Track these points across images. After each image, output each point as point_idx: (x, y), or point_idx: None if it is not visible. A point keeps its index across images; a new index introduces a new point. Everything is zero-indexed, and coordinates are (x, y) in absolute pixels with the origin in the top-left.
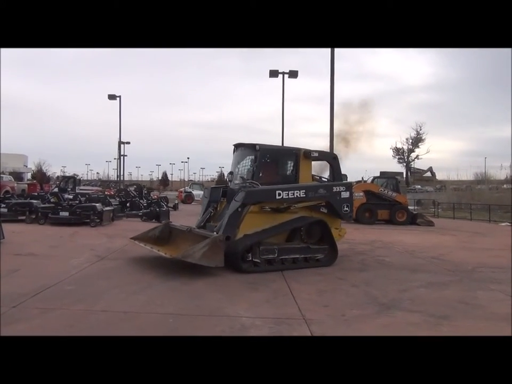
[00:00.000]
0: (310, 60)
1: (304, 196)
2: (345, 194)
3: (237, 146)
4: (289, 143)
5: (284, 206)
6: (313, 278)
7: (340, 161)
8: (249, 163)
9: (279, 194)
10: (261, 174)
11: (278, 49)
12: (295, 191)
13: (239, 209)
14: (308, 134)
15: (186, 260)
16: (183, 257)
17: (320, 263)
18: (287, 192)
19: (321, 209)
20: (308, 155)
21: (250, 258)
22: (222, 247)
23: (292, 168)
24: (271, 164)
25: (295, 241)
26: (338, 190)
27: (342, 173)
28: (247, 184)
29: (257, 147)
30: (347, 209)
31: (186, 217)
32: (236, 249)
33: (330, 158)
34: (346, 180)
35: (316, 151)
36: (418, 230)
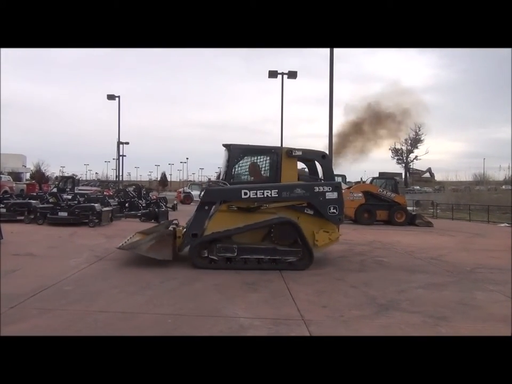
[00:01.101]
0: (312, 61)
1: (277, 195)
2: (331, 195)
3: (223, 146)
4: (289, 144)
5: (255, 205)
6: (312, 279)
7: (331, 160)
8: (225, 163)
9: (246, 194)
10: (234, 174)
11: (279, 50)
12: (265, 191)
13: (206, 208)
14: (310, 135)
15: (133, 251)
16: (130, 248)
17: (293, 266)
18: (255, 191)
19: (305, 211)
20: (290, 154)
21: (207, 255)
22: (170, 241)
23: (273, 167)
24: (247, 163)
25: (265, 242)
26: (321, 190)
27: (342, 173)
28: (211, 183)
29: (230, 147)
30: (334, 211)
31: (185, 217)
32: (191, 245)
33: (318, 156)
34: (345, 181)
35: (299, 150)
36: (417, 231)
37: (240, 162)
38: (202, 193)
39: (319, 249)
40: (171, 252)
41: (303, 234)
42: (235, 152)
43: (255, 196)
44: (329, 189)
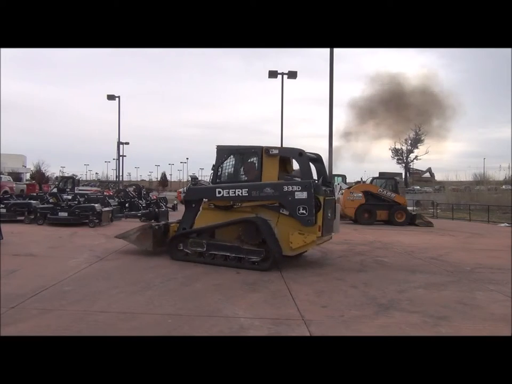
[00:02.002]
0: (312, 61)
1: (247, 195)
2: (300, 195)
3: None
4: (289, 144)
5: (230, 204)
6: (312, 279)
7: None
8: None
9: (219, 193)
10: (219, 174)
11: (279, 50)
12: (236, 190)
13: (193, 205)
14: (310, 135)
15: (124, 239)
16: (122, 237)
17: (257, 266)
18: (227, 190)
19: (281, 211)
20: (267, 153)
21: (182, 248)
22: (150, 234)
23: (254, 167)
24: (232, 163)
25: (234, 240)
26: (290, 189)
27: (341, 173)
28: (193, 182)
29: (217, 148)
30: (304, 212)
31: None
32: (168, 239)
33: (295, 154)
34: (345, 181)
35: (275, 148)
36: (417, 231)
37: (226, 162)
38: (185, 191)
39: (294, 252)
40: (151, 243)
41: (267, 235)
42: (220, 153)
43: (228, 195)
44: (299, 188)
